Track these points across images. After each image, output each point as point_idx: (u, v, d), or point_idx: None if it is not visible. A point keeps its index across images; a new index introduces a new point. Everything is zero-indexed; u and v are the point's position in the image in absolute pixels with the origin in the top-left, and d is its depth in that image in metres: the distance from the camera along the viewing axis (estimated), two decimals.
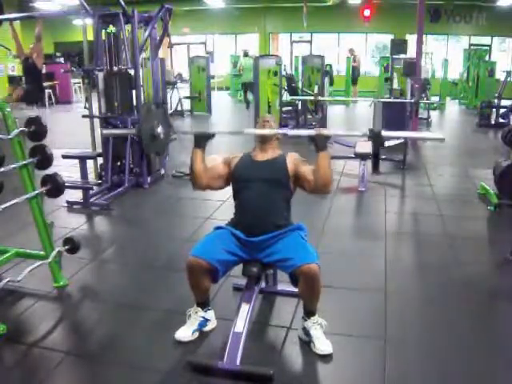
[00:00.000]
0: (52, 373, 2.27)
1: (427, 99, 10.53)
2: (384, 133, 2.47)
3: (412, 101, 6.64)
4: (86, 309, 2.94)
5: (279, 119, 8.28)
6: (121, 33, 5.08)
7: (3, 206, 2.64)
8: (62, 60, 16.24)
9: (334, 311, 2.71)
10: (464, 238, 3.96)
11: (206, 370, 2.21)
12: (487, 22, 16.00)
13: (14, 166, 2.82)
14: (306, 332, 2.43)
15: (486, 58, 13.38)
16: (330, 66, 12.88)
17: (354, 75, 13.97)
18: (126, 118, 5.22)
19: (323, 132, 2.44)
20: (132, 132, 2.84)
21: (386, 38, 15.18)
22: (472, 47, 15.09)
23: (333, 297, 2.85)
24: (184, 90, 12.46)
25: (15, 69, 11.74)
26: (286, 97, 9.78)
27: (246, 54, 13.47)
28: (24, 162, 2.85)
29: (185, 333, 2.48)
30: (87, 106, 5.58)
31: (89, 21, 5.40)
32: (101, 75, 5.13)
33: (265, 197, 2.47)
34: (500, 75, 11.70)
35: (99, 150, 5.34)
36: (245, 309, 2.34)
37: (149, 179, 5.40)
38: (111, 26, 5.23)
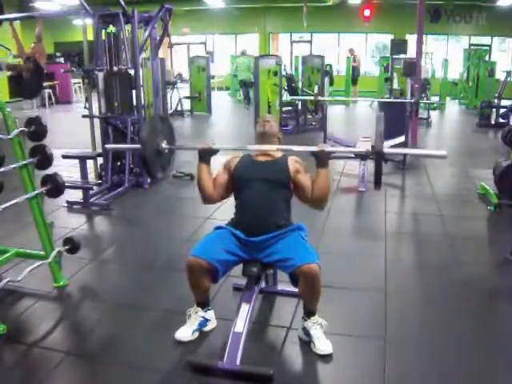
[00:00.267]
0: (52, 373, 2.28)
1: (427, 99, 10.52)
2: (386, 150, 2.47)
3: (412, 101, 6.62)
4: (86, 309, 2.94)
5: (279, 119, 8.27)
6: (121, 33, 5.07)
7: (3, 206, 2.64)
8: (62, 60, 16.24)
9: (334, 311, 2.71)
10: (464, 237, 3.96)
11: (206, 369, 2.22)
12: (487, 22, 15.99)
13: (14, 166, 2.82)
14: (306, 332, 2.43)
15: (486, 58, 13.38)
16: (330, 65, 12.88)
17: (354, 75, 13.96)
18: (125, 118, 5.22)
19: (326, 149, 2.45)
20: (136, 147, 2.81)
21: (386, 38, 15.18)
22: (472, 47, 15.08)
23: (333, 297, 2.85)
24: (184, 89, 12.46)
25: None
26: (286, 97, 9.78)
27: (243, 53, 13.54)
28: (24, 162, 2.85)
29: (185, 333, 2.48)
30: (87, 105, 5.58)
31: (89, 21, 5.40)
32: (101, 75, 5.13)
33: (265, 196, 2.47)
34: (500, 75, 11.69)
35: (99, 150, 5.34)
36: (245, 309, 2.35)
37: (149, 179, 5.40)
38: (111, 26, 5.22)
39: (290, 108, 9.55)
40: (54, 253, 3.02)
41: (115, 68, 5.24)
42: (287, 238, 2.44)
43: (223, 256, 2.40)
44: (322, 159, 2.44)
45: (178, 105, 11.44)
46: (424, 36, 8.82)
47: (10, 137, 2.76)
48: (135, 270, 3.43)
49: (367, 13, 13.02)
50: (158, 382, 2.23)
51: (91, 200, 4.75)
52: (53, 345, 2.48)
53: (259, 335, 2.56)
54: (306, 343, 2.43)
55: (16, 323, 2.67)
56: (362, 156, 5.43)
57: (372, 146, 2.39)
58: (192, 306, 2.53)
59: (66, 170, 5.14)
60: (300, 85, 10.58)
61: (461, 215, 4.61)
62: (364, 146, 5.29)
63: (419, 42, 8.13)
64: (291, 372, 2.32)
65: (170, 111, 10.23)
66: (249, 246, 2.45)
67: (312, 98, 8.18)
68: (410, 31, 12.38)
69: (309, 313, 2.44)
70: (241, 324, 2.28)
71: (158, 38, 5.57)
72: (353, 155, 5.64)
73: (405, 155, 6.07)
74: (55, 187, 3.03)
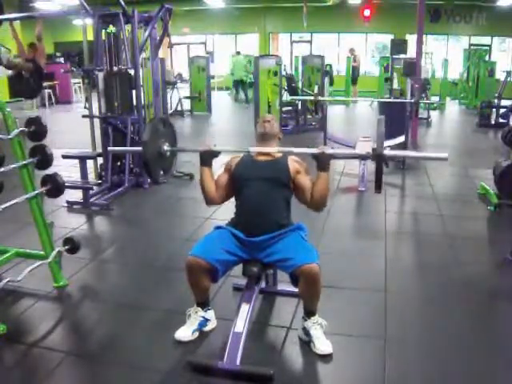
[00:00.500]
0: (52, 373, 2.27)
1: (427, 99, 10.53)
2: (387, 152, 2.47)
3: (412, 101, 6.62)
4: (86, 309, 2.94)
5: (279, 119, 8.27)
6: (121, 33, 5.07)
7: (3, 206, 2.64)
8: (62, 60, 16.25)
9: (334, 311, 2.71)
10: (464, 237, 3.96)
11: (206, 369, 2.21)
12: (487, 22, 15.99)
13: (14, 165, 2.82)
14: (306, 332, 2.43)
15: (486, 58, 13.38)
16: (330, 65, 12.89)
17: (354, 75, 13.97)
18: (125, 117, 5.22)
19: (326, 151, 2.45)
20: (138, 150, 2.80)
21: (386, 38, 15.18)
22: (472, 47, 15.09)
23: (333, 297, 2.85)
24: (184, 90, 12.47)
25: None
26: (286, 97, 9.79)
27: (237, 53, 13.60)
28: (24, 162, 2.85)
29: (185, 333, 2.48)
30: (87, 105, 5.58)
31: (89, 21, 5.40)
32: (101, 75, 5.13)
33: (265, 195, 2.47)
34: (500, 75, 11.70)
35: (99, 149, 5.34)
36: (245, 309, 2.34)
37: (149, 179, 5.40)
38: (111, 25, 5.23)
39: (289, 108, 9.56)
40: (54, 253, 3.02)
41: (115, 68, 5.24)
42: (287, 238, 2.44)
43: (223, 256, 2.40)
44: (322, 162, 2.44)
45: (177, 105, 11.45)
46: (424, 36, 8.83)
47: (10, 137, 2.76)
48: (135, 270, 3.43)
49: (367, 13, 13.03)
50: (158, 382, 2.23)
51: (91, 200, 4.75)
52: (53, 345, 2.48)
53: (259, 335, 2.56)
54: (306, 343, 2.43)
55: (16, 323, 2.66)
56: (361, 156, 5.43)
57: (373, 149, 2.39)
58: (192, 306, 2.53)
59: (66, 170, 5.15)
60: (300, 85, 10.58)
61: (461, 215, 4.61)
62: (364, 148, 5.32)
63: (419, 42, 8.14)
64: (291, 372, 2.32)
65: (170, 111, 10.23)
66: (249, 246, 2.45)
67: (312, 98, 8.17)
68: (410, 31, 12.38)
69: (309, 313, 2.44)
70: (241, 324, 2.28)
71: (158, 38, 5.57)
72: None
73: None
74: (55, 187, 3.03)
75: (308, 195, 2.48)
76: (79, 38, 6.27)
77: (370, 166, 4.21)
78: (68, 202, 4.73)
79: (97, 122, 5.42)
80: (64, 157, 5.01)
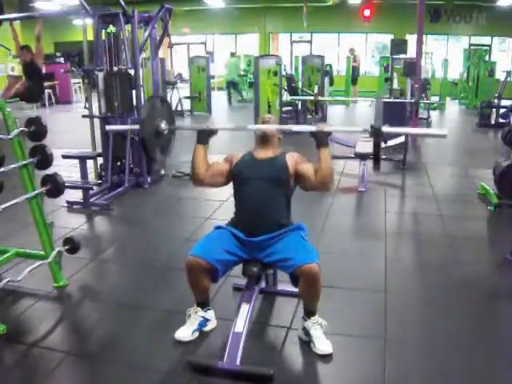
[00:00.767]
0: (52, 373, 2.27)
1: (427, 99, 10.53)
2: (385, 128, 2.47)
3: (412, 101, 6.63)
4: (86, 309, 2.94)
5: (279, 119, 8.27)
6: (121, 33, 5.08)
7: (3, 206, 2.64)
8: (62, 60, 16.24)
9: (334, 311, 2.71)
10: (464, 237, 3.96)
11: (206, 370, 2.21)
12: (487, 22, 15.99)
13: (14, 165, 2.82)
14: (306, 332, 2.43)
15: (486, 58, 13.38)
16: (330, 65, 12.89)
17: (354, 75, 13.97)
18: (125, 118, 5.22)
19: (324, 128, 2.46)
20: (135, 128, 2.81)
21: (386, 38, 15.18)
22: (472, 47, 15.10)
23: (333, 297, 2.85)
24: (184, 89, 12.46)
25: (15, 69, 11.74)
26: (286, 97, 9.79)
27: (232, 55, 13.64)
28: (24, 162, 2.85)
29: (185, 333, 2.48)
30: (87, 105, 5.58)
31: (89, 21, 5.40)
32: (101, 75, 5.13)
33: (265, 194, 2.47)
34: (500, 75, 11.70)
35: (99, 149, 5.34)
36: (245, 309, 2.34)
37: (149, 179, 5.40)
38: (111, 25, 5.23)
39: (289, 108, 9.55)
40: (54, 253, 3.02)
41: (115, 68, 5.23)
42: (287, 238, 2.44)
43: (223, 256, 2.39)
44: (321, 138, 2.45)
45: (177, 105, 11.44)
46: (424, 36, 8.82)
47: (10, 137, 2.76)
48: (135, 270, 3.43)
49: (367, 13, 13.02)
50: (158, 382, 2.23)
51: (91, 200, 4.75)
52: (53, 345, 2.48)
53: (259, 335, 2.56)
54: (306, 343, 2.43)
55: (16, 323, 2.66)
56: (361, 156, 5.43)
57: (371, 125, 2.41)
58: (192, 306, 2.53)
59: (66, 170, 5.15)
60: (300, 85, 10.59)
61: (461, 215, 4.61)
62: (365, 148, 5.33)
63: (419, 42, 8.14)
64: (291, 372, 2.32)
65: None
66: (249, 246, 2.45)
67: (312, 97, 8.19)
68: (410, 31, 12.39)
69: (309, 313, 2.44)
70: (241, 324, 2.28)
71: (158, 38, 5.57)
72: (353, 155, 5.65)
73: (405, 155, 6.07)
74: (55, 187, 3.03)
75: (312, 177, 2.47)
76: (79, 38, 6.28)
77: (370, 166, 4.22)
78: (68, 201, 4.73)
79: (97, 122, 5.42)
80: (64, 157, 5.01)
